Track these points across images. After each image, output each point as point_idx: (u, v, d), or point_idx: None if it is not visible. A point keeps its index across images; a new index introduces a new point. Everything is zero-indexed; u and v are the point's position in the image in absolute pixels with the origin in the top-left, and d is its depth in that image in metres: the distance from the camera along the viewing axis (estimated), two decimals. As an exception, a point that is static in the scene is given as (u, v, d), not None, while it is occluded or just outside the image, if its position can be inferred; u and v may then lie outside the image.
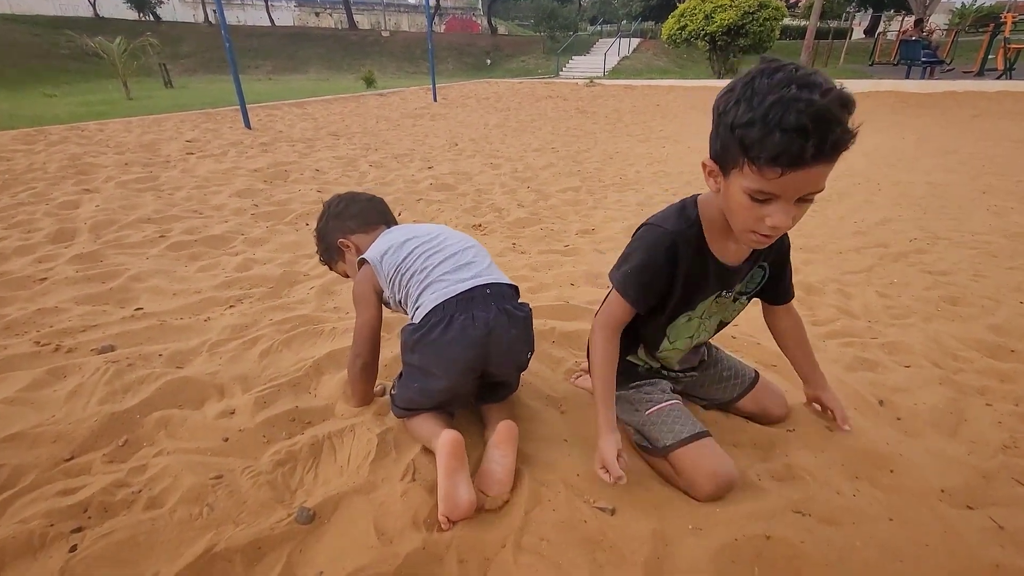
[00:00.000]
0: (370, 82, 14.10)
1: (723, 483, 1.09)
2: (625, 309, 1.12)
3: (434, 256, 1.30)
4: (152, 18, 26.80)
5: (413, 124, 7.36)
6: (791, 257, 1.24)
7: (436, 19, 31.22)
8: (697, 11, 14.65)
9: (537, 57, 23.74)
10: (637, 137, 6.40)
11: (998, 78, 11.12)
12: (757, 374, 1.38)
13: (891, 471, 1.19)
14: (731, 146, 0.85)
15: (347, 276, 1.57)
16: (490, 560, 0.98)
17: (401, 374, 1.30)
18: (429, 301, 1.20)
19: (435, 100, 10.62)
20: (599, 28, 29.75)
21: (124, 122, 6.79)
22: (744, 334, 1.81)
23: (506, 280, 1.30)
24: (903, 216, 3.27)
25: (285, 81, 17.73)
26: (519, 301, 1.30)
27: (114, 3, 25.36)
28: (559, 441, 1.29)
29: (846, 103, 0.79)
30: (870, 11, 28.12)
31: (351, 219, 1.51)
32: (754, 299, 1.27)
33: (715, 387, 1.38)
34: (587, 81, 14.68)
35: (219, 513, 1.06)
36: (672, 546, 0.99)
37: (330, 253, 1.55)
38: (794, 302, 1.31)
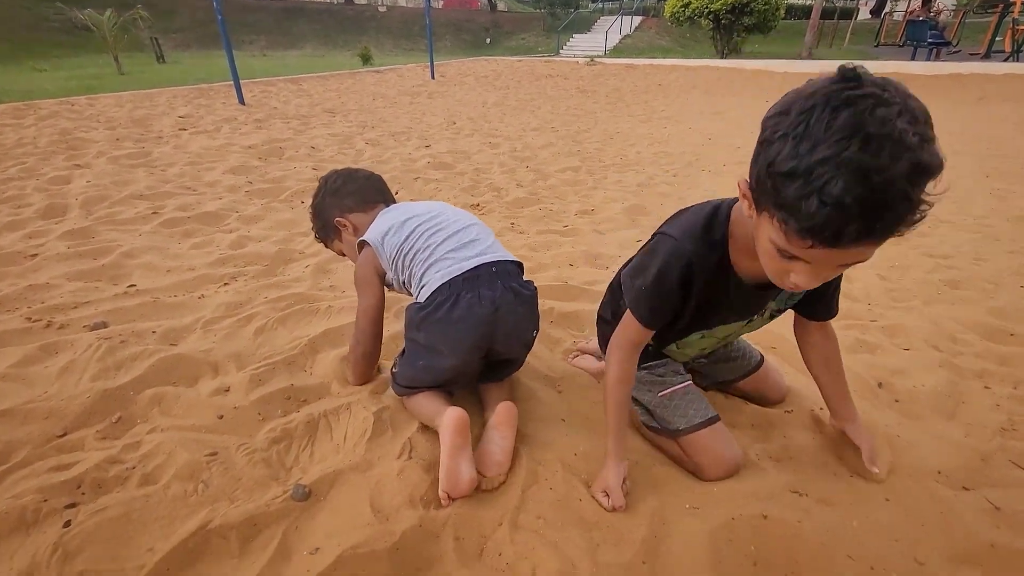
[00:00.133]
0: (366, 59, 13.82)
1: (730, 467, 1.10)
2: (639, 329, 1.03)
3: (436, 234, 1.28)
4: (143, -10, 26.06)
5: (410, 102, 7.23)
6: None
7: (434, -6, 30.51)
8: (701, -12, 14.34)
9: (537, 35, 23.28)
10: (638, 117, 6.30)
11: (1005, 60, 10.96)
12: (762, 358, 1.36)
13: (889, 452, 1.19)
14: (765, 187, 0.68)
15: (343, 255, 1.55)
16: (487, 538, 0.98)
17: (403, 352, 1.28)
18: (434, 280, 1.19)
19: (433, 78, 10.43)
20: (600, 5, 29.14)
21: (115, 97, 6.65)
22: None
23: (511, 257, 1.28)
24: (905, 199, 3.24)
25: (280, 57, 17.38)
26: (524, 279, 1.28)
27: (103, -26, 24.64)
28: (556, 421, 1.28)
29: (924, 172, 0.60)
30: (877, -10, 27.56)
31: (348, 196, 1.47)
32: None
33: (720, 366, 1.35)
34: (588, 60, 14.41)
35: (214, 490, 1.05)
36: (669, 525, 0.99)
37: (326, 231, 1.51)
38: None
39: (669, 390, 1.19)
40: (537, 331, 1.31)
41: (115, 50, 10.68)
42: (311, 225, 1.55)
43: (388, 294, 1.40)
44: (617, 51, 18.20)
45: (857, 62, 0.64)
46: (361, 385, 1.39)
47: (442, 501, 1.03)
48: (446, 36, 23.10)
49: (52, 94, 6.77)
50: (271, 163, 3.79)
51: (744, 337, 1.34)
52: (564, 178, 3.63)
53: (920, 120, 0.61)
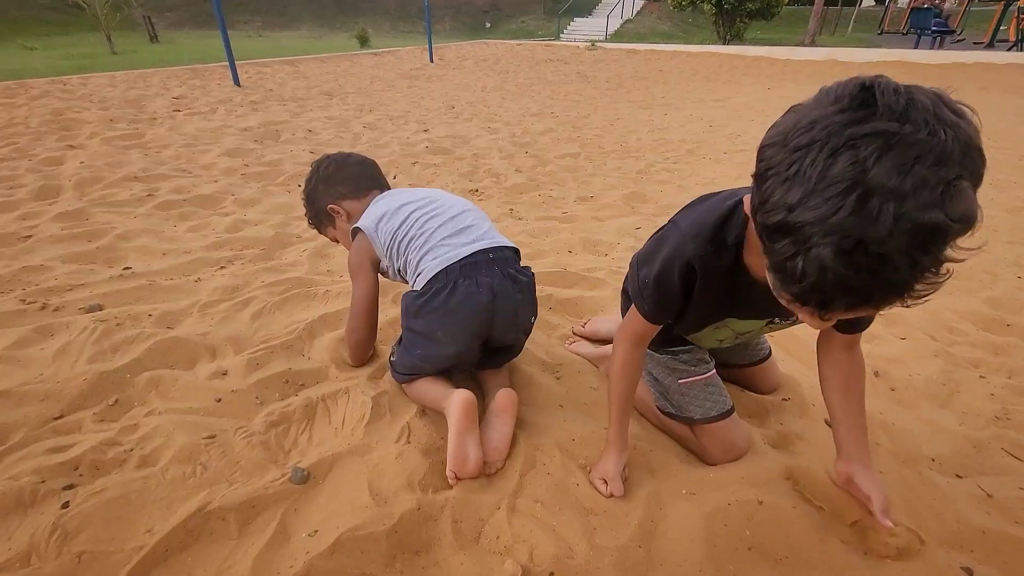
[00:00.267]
0: (364, 41, 13.62)
1: (737, 456, 1.11)
2: (643, 323, 0.98)
3: (431, 220, 1.27)
4: (135, -33, 25.53)
5: (409, 85, 7.14)
6: None
7: (433, -25, 29.89)
8: (704, -28, 14.12)
9: (537, 18, 22.94)
10: (639, 103, 6.24)
11: (1009, 49, 10.88)
12: (770, 350, 1.34)
13: (883, 440, 1.20)
14: (757, 228, 0.59)
15: (337, 241, 1.53)
16: (484, 521, 0.98)
17: (401, 340, 1.28)
18: (431, 267, 1.18)
19: (431, 61, 10.29)
20: (602, -12, 28.63)
21: (108, 76, 6.54)
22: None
23: (508, 243, 1.27)
24: (905, 189, 3.23)
25: (275, 38, 17.10)
26: (522, 265, 1.28)
27: (94, -51, 24.10)
28: (554, 406, 1.28)
29: (939, 233, 0.50)
30: (882, -24, 27.19)
31: (341, 184, 1.45)
32: None
33: (731, 349, 1.30)
34: (589, 44, 14.23)
35: (212, 472, 1.06)
36: (665, 509, 1.00)
37: (319, 218, 1.50)
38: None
39: (690, 379, 1.15)
40: (536, 317, 1.31)
41: (107, 29, 10.49)
42: (304, 211, 1.54)
43: (384, 280, 1.39)
44: (618, 35, 17.98)
45: (875, 75, 0.53)
46: (359, 367, 1.39)
47: (449, 480, 1.04)
48: (445, 18, 22.75)
49: (43, 73, 6.66)
50: (267, 146, 3.75)
51: None
52: (563, 164, 3.61)
53: (949, 160, 0.49)
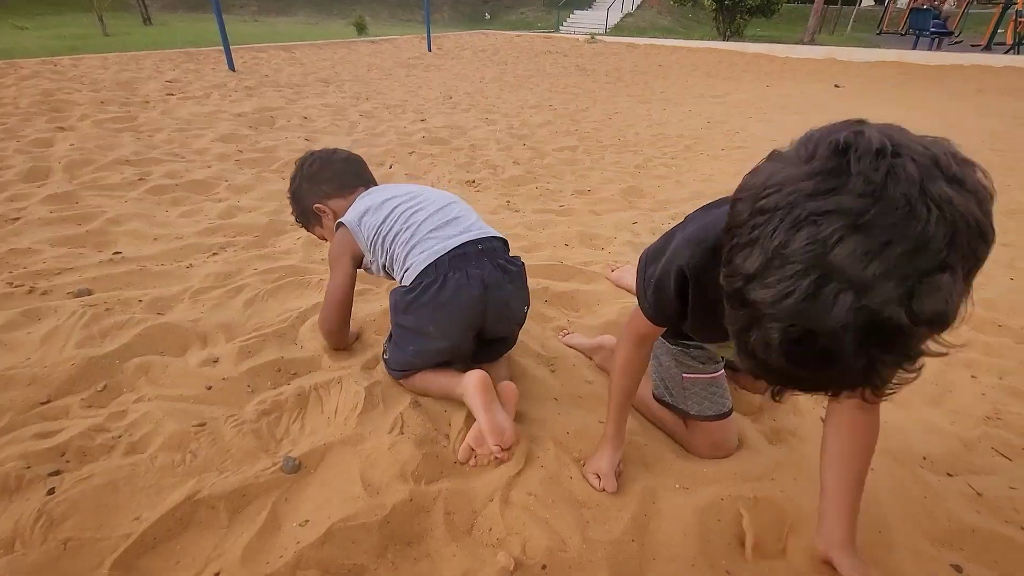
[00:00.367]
0: (361, 28, 13.45)
1: (723, 454, 1.11)
2: (645, 322, 0.93)
3: (417, 214, 1.24)
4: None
5: (406, 74, 7.07)
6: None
7: (432, -37, 29.51)
8: (706, -33, 14.04)
9: (537, 10, 22.75)
10: (637, 98, 6.22)
11: (1006, 52, 10.92)
12: None
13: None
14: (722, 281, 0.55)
15: (325, 240, 1.50)
16: (477, 513, 0.98)
17: (391, 337, 1.26)
18: (419, 261, 1.16)
19: (429, 50, 10.18)
20: (603, -19, 28.40)
21: (100, 58, 6.42)
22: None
23: (496, 233, 1.25)
24: (901, 189, 3.24)
25: (271, 23, 16.86)
26: (511, 255, 1.26)
27: (86, -72, 23.61)
28: (549, 399, 1.28)
29: (896, 336, 0.45)
30: (882, -24, 27.16)
31: (326, 183, 1.41)
32: None
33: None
34: (588, 37, 14.13)
35: (202, 460, 1.04)
36: (659, 503, 1.00)
37: (306, 217, 1.47)
38: None
39: (694, 376, 1.13)
40: (528, 307, 1.30)
41: (100, 9, 10.28)
42: (290, 210, 1.50)
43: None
44: (618, 29, 17.88)
45: (860, 126, 0.47)
46: (338, 351, 1.39)
47: (497, 455, 1.05)
48: (443, 7, 22.51)
49: (34, 53, 6.53)
50: (262, 132, 3.70)
51: None
52: (561, 157, 3.59)
53: (928, 246, 0.42)
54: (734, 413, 1.16)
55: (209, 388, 1.23)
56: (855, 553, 0.84)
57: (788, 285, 0.44)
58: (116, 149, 2.99)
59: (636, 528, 0.95)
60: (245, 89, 5.16)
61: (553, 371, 1.40)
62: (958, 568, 0.92)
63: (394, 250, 1.23)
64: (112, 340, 1.36)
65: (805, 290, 0.44)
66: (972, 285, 0.47)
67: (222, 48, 6.38)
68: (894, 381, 0.50)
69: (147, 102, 4.29)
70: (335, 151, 1.48)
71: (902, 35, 14.37)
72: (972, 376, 1.48)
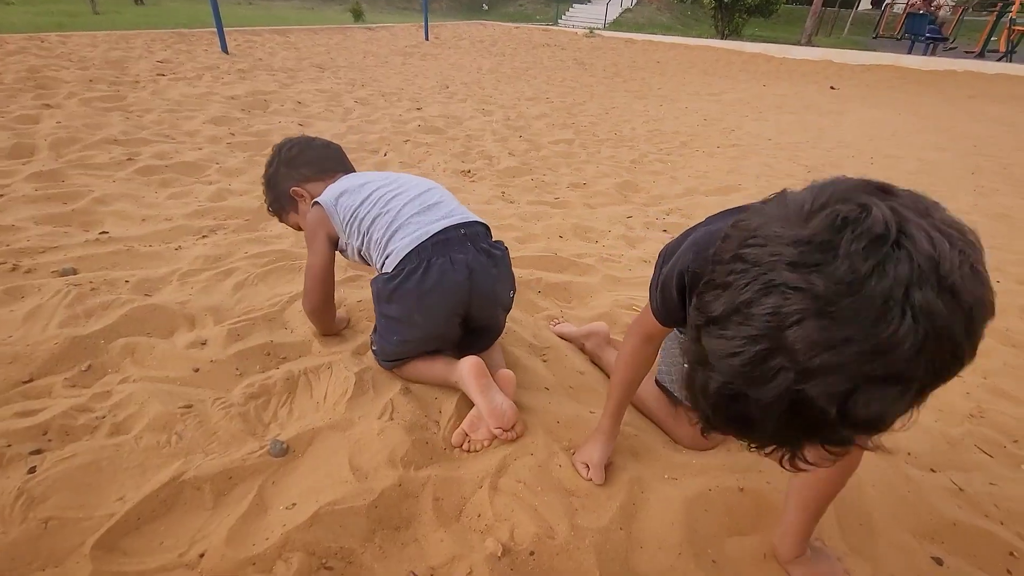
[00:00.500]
0: (358, 15, 13.27)
1: (702, 446, 1.12)
2: (652, 320, 0.90)
3: (396, 198, 1.22)
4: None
5: (403, 62, 7.00)
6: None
7: (431, -49, 29.07)
8: (706, -35, 14.00)
9: (536, 2, 22.58)
10: (634, 93, 6.21)
11: (999, 60, 11.03)
12: None
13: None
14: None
15: (299, 229, 1.45)
16: (466, 499, 0.98)
17: (376, 328, 1.24)
18: (401, 247, 1.14)
19: (427, 39, 10.08)
20: (603, -25, 28.24)
21: (89, 36, 6.28)
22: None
23: (478, 219, 1.24)
24: (892, 191, 3.27)
25: (266, 6, 16.59)
26: (494, 240, 1.25)
27: (76, -98, 22.97)
28: (540, 389, 1.28)
29: (828, 428, 0.44)
30: (880, -20, 27.26)
31: (306, 166, 1.38)
32: None
33: None
34: (587, 31, 14.07)
35: (188, 442, 1.03)
36: (647, 493, 1.00)
37: (280, 202, 1.42)
38: None
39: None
40: (514, 291, 1.29)
41: (89, -14, 10.03)
42: (264, 198, 1.45)
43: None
44: (617, 24, 17.81)
45: (866, 200, 0.43)
46: (327, 335, 1.38)
47: (501, 437, 1.06)
48: (442, -4, 22.26)
49: (20, 29, 6.37)
50: (255, 115, 3.64)
51: None
52: (557, 150, 3.57)
53: (889, 355, 0.40)
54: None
55: (196, 370, 1.22)
56: (807, 559, 0.89)
57: (739, 345, 0.44)
58: (104, 128, 2.93)
59: (624, 517, 0.95)
60: (238, 72, 5.08)
61: (545, 361, 1.40)
62: (938, 560, 0.93)
63: (372, 234, 1.20)
64: (97, 320, 1.34)
65: (751, 356, 0.43)
66: (927, 397, 0.45)
67: (215, 30, 6.26)
68: (812, 461, 0.49)
69: (137, 82, 4.20)
70: (314, 138, 1.45)
71: (898, 39, 14.47)
72: (957, 376, 1.50)
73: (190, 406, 1.10)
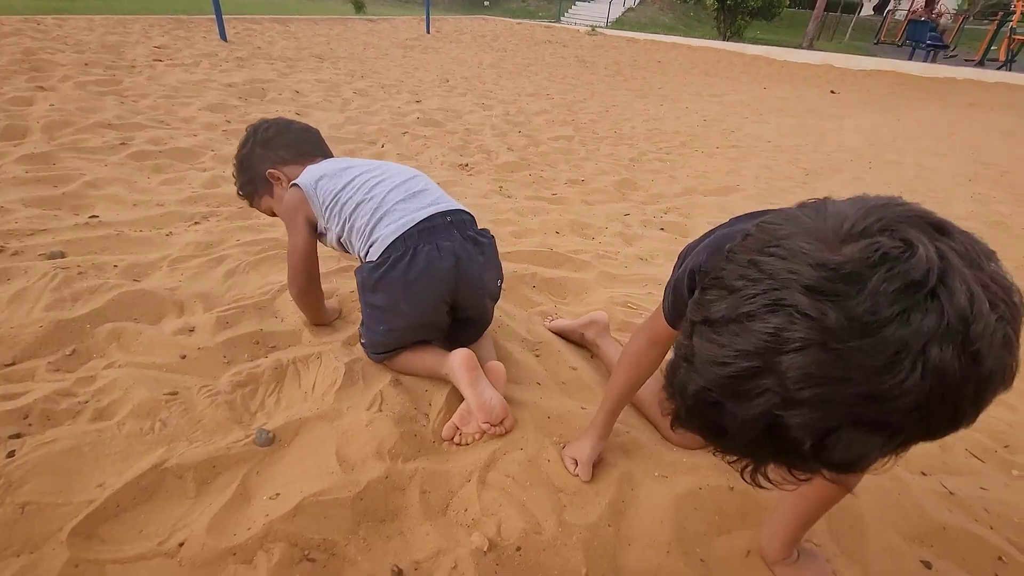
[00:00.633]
0: (359, 6, 13.20)
1: (688, 444, 1.12)
2: (663, 323, 0.87)
3: (380, 185, 1.19)
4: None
5: (403, 55, 6.95)
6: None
7: (435, -56, 28.90)
8: (710, -34, 13.98)
9: (539, -1, 22.50)
10: (635, 92, 6.19)
11: (998, 68, 11.07)
12: None
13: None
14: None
15: (272, 214, 1.39)
16: (453, 493, 0.96)
17: (362, 320, 1.22)
18: (386, 234, 1.12)
19: (428, 32, 10.03)
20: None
21: (86, 19, 6.21)
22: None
23: (463, 207, 1.22)
24: (890, 195, 3.27)
25: (268, -5, 16.45)
26: (480, 228, 1.24)
27: None
28: (532, 384, 1.26)
29: (798, 458, 0.43)
30: (883, -13, 27.29)
31: (284, 148, 1.32)
32: None
33: None
34: (589, 29, 14.04)
35: (172, 429, 1.01)
36: (637, 490, 0.99)
37: (254, 185, 1.35)
38: None
39: None
40: (502, 280, 1.27)
41: (87, -31, 9.91)
42: (234, 179, 1.39)
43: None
44: (619, 23, 17.78)
45: (911, 238, 0.39)
46: (318, 325, 1.35)
47: (489, 432, 1.05)
48: (445, -9, 22.15)
49: (17, 11, 6.29)
50: (252, 104, 3.61)
51: None
52: (556, 146, 3.56)
53: (884, 405, 0.38)
54: None
55: (183, 357, 1.20)
56: (794, 561, 0.88)
57: (729, 356, 0.42)
58: (98, 112, 2.89)
59: (613, 514, 0.94)
60: (236, 60, 5.03)
61: (538, 356, 1.38)
62: (927, 564, 0.93)
63: (355, 221, 1.17)
64: (84, 304, 1.31)
65: (738, 371, 0.41)
66: (908, 448, 0.43)
67: (214, 17, 6.20)
68: (773, 480, 0.48)
69: (133, 67, 4.16)
70: (292, 120, 1.40)
71: (899, 46, 14.51)
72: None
73: (176, 393, 1.09)
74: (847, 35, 18.04)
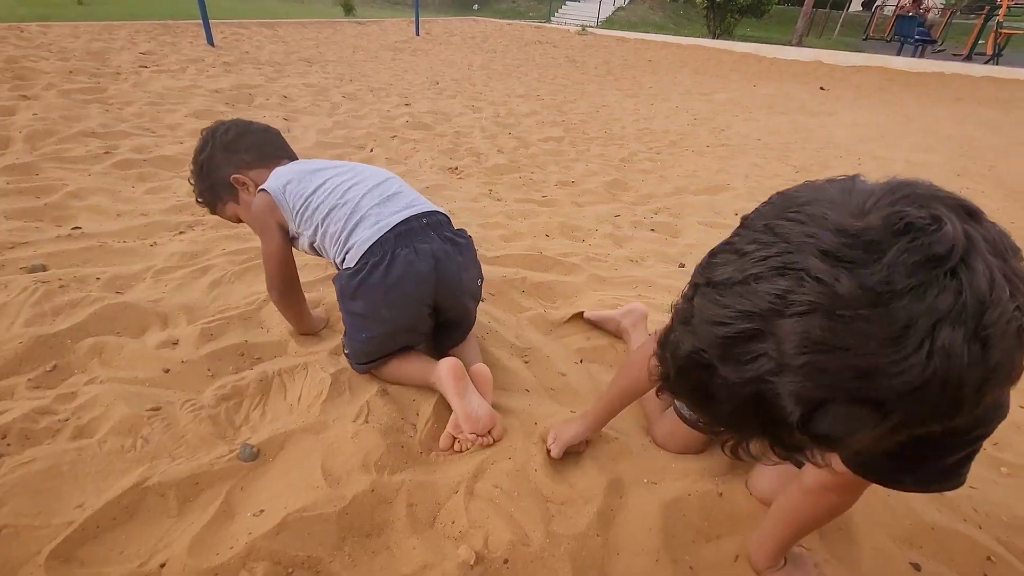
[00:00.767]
0: (348, 9, 13.15)
1: (671, 447, 1.11)
2: None
3: (353, 189, 1.17)
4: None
5: (392, 57, 6.93)
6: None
7: (424, -54, 28.85)
8: (699, -36, 14.01)
9: (529, -1, 22.50)
10: (625, 92, 6.19)
11: (986, 63, 11.15)
12: None
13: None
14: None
15: (237, 220, 1.35)
16: (441, 505, 0.96)
17: (345, 329, 1.20)
18: (362, 240, 1.10)
19: (417, 34, 10.00)
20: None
21: (71, 27, 6.15)
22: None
23: (438, 208, 1.21)
24: (879, 192, 3.28)
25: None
26: (457, 228, 1.23)
27: None
28: (520, 391, 1.26)
29: (784, 430, 0.41)
30: (870, -18, 27.46)
31: (246, 151, 1.27)
32: None
33: None
34: (579, 29, 14.05)
35: (154, 446, 1.00)
36: (625, 498, 0.99)
37: (216, 191, 1.29)
38: None
39: None
40: (482, 279, 1.27)
41: (73, -25, 9.82)
42: (193, 187, 1.32)
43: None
44: (609, 22, 17.80)
45: (938, 212, 0.38)
46: (308, 333, 1.34)
47: (476, 443, 1.05)
48: (434, -8, 22.11)
49: (1, 19, 6.22)
50: (239, 110, 3.58)
51: None
52: (546, 148, 3.55)
53: (877, 382, 0.37)
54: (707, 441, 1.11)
55: (167, 371, 1.18)
56: (781, 568, 0.87)
57: (728, 316, 0.40)
58: (82, 120, 2.86)
59: (601, 523, 0.93)
60: (223, 65, 5.00)
61: (527, 362, 1.38)
62: (916, 566, 0.93)
63: (327, 227, 1.15)
64: (65, 319, 1.29)
65: (736, 332, 0.40)
66: (899, 437, 0.41)
67: (201, 22, 6.16)
68: (755, 454, 0.47)
69: (118, 74, 4.12)
70: (251, 121, 1.35)
71: (887, 41, 14.59)
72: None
73: (158, 408, 1.07)
74: (836, 31, 18.14)
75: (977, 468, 1.17)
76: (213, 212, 1.35)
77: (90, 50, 4.86)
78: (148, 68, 4.44)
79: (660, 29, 16.72)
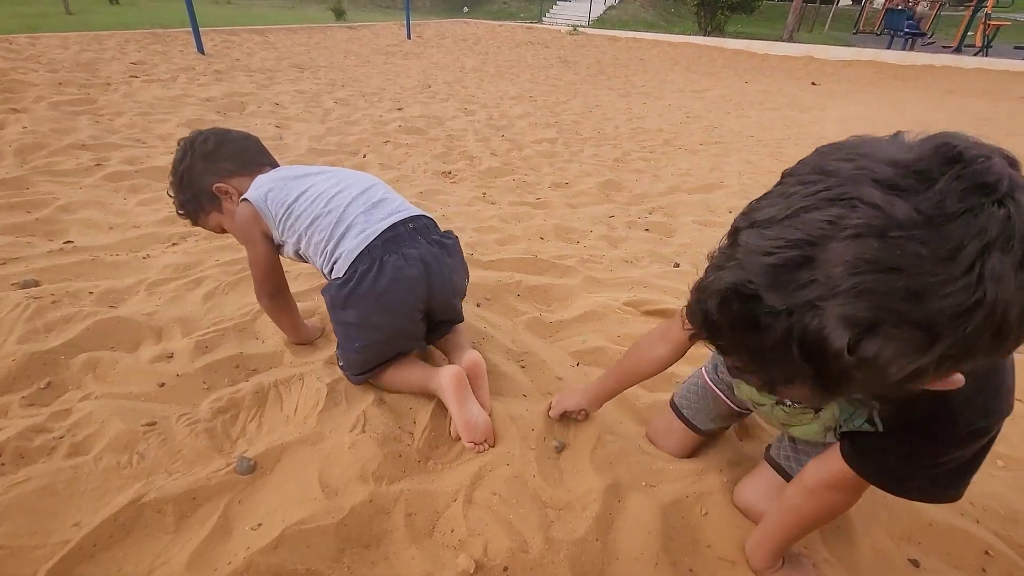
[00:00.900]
0: (339, 14, 13.15)
1: (661, 446, 1.13)
2: (679, 325, 0.87)
3: (338, 197, 1.16)
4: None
5: (384, 62, 6.93)
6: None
7: (414, -51, 28.80)
8: (688, -39, 14.04)
9: (520, 0, 22.53)
10: (618, 91, 6.21)
11: (975, 54, 11.21)
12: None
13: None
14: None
15: (221, 231, 1.33)
16: (439, 514, 0.95)
17: (338, 340, 1.20)
18: (349, 249, 1.10)
19: (409, 38, 10.00)
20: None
21: (60, 37, 6.13)
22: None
23: (425, 213, 1.21)
24: (872, 186, 3.29)
25: (245, 5, 16.35)
26: (444, 230, 1.23)
27: (48, -101, 22.37)
28: (518, 396, 1.26)
29: (832, 358, 0.40)
30: (859, -24, 27.58)
31: (227, 160, 1.25)
32: None
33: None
34: (571, 29, 14.07)
35: (150, 462, 0.99)
36: (624, 501, 0.99)
37: (198, 202, 1.26)
38: None
39: (709, 384, 1.06)
40: (468, 279, 1.28)
41: (61, -14, 9.79)
42: (172, 199, 1.29)
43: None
44: (601, 22, 17.82)
45: (999, 162, 0.39)
46: (303, 342, 1.34)
47: (472, 450, 1.07)
48: (425, -5, 22.10)
49: (-13, 30, 6.20)
50: (230, 118, 3.57)
51: None
52: (540, 149, 3.55)
53: (925, 305, 0.37)
54: (701, 439, 1.10)
55: (162, 385, 1.18)
56: (778, 569, 0.87)
57: (777, 245, 0.40)
58: (72, 133, 2.85)
59: (600, 528, 0.93)
60: (214, 73, 4.99)
61: (523, 367, 1.38)
62: (915, 563, 0.93)
63: (312, 235, 1.14)
64: (58, 334, 1.29)
65: (786, 259, 0.40)
66: (947, 369, 0.41)
67: (191, 30, 6.14)
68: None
69: (109, 84, 4.10)
70: (229, 129, 1.32)
71: (878, 35, 14.65)
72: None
73: (154, 423, 1.07)
74: (826, 26, 18.21)
75: (974, 462, 1.17)
76: (195, 223, 1.32)
77: (80, 61, 4.84)
78: (138, 78, 4.42)
79: (651, 27, 16.76)
